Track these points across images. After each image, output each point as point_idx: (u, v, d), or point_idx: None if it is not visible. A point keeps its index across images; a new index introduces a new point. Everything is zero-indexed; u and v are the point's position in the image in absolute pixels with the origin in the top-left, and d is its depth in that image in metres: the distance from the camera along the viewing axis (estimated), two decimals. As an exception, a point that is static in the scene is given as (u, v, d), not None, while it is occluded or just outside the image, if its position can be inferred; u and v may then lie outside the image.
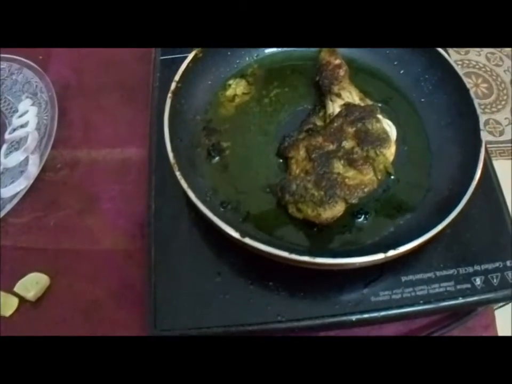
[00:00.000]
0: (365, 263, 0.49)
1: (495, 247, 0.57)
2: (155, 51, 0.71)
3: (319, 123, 0.62)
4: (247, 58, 0.69)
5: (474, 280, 0.55)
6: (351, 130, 0.59)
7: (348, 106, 0.61)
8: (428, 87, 0.65)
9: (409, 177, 0.60)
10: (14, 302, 0.62)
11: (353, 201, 0.55)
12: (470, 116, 0.59)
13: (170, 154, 0.54)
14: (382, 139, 0.58)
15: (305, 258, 0.48)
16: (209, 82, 0.66)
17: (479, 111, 0.58)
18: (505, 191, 0.61)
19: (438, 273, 0.55)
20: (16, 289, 0.62)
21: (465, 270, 0.55)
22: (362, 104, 0.62)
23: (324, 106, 0.64)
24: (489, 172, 0.61)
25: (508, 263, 0.56)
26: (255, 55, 0.69)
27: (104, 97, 0.78)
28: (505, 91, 1.57)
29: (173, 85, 0.59)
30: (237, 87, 0.67)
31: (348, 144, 0.58)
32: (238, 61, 0.68)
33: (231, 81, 0.68)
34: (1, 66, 0.80)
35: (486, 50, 1.62)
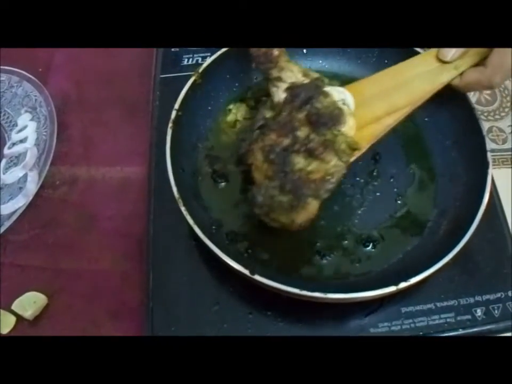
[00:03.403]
0: (376, 296, 0.48)
1: (497, 277, 0.56)
2: (155, 68, 0.70)
3: (269, 115, 0.56)
4: (246, 82, 0.68)
5: (475, 311, 0.54)
6: (301, 116, 0.52)
7: (291, 89, 0.54)
8: (431, 106, 0.63)
9: (415, 200, 0.60)
10: (12, 320, 0.62)
11: (326, 196, 0.51)
12: (475, 135, 0.58)
13: (174, 189, 0.53)
14: (335, 116, 0.52)
15: (317, 295, 0.47)
16: (209, 108, 0.65)
17: (484, 131, 0.58)
18: (506, 201, 0.61)
19: (438, 304, 0.54)
20: (13, 307, 0.62)
21: (466, 300, 0.55)
22: (306, 81, 0.55)
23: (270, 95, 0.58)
24: (493, 199, 0.60)
25: (510, 293, 0.55)
26: (254, 77, 0.68)
27: (104, 112, 0.77)
28: (508, 98, 1.56)
29: (173, 114, 0.58)
30: (238, 112, 0.66)
31: (302, 132, 0.51)
32: (237, 84, 0.67)
33: (231, 106, 0.67)
34: (1, 79, 0.79)
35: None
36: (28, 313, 0.61)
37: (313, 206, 0.51)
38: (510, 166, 1.41)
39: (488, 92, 1.53)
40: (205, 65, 0.62)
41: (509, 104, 1.52)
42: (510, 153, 1.44)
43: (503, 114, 1.50)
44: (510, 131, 1.48)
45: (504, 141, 1.46)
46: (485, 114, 1.49)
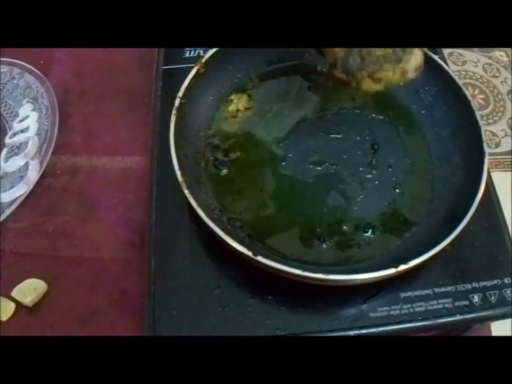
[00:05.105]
0: (376, 278, 0.49)
1: (494, 264, 0.57)
2: (157, 60, 0.70)
3: None
4: (247, 73, 0.69)
5: (472, 297, 0.55)
6: None
7: None
8: (428, 99, 0.66)
9: (413, 190, 0.60)
10: (11, 306, 0.62)
11: None
12: (472, 127, 0.59)
13: (178, 173, 0.53)
14: None
15: (319, 276, 0.48)
16: (211, 97, 0.66)
17: (480, 122, 0.58)
18: (501, 202, 0.61)
19: (436, 290, 0.55)
20: (13, 294, 0.62)
21: (463, 287, 0.55)
22: None
23: None
24: (489, 188, 0.61)
25: (506, 280, 0.56)
26: (255, 69, 0.69)
27: (105, 104, 0.78)
28: (501, 102, 1.57)
29: (177, 101, 0.59)
30: (239, 102, 0.67)
31: None
32: (238, 75, 0.68)
33: (232, 96, 0.67)
34: (2, 70, 0.80)
35: (482, 61, 1.63)
36: (28, 300, 0.61)
37: (418, 51, 0.50)
38: (502, 169, 1.43)
39: (482, 96, 1.55)
40: (208, 55, 0.63)
41: (502, 108, 1.54)
42: (502, 157, 1.46)
43: (496, 118, 1.52)
44: (502, 135, 1.50)
45: (497, 145, 1.47)
46: (478, 118, 1.50)
